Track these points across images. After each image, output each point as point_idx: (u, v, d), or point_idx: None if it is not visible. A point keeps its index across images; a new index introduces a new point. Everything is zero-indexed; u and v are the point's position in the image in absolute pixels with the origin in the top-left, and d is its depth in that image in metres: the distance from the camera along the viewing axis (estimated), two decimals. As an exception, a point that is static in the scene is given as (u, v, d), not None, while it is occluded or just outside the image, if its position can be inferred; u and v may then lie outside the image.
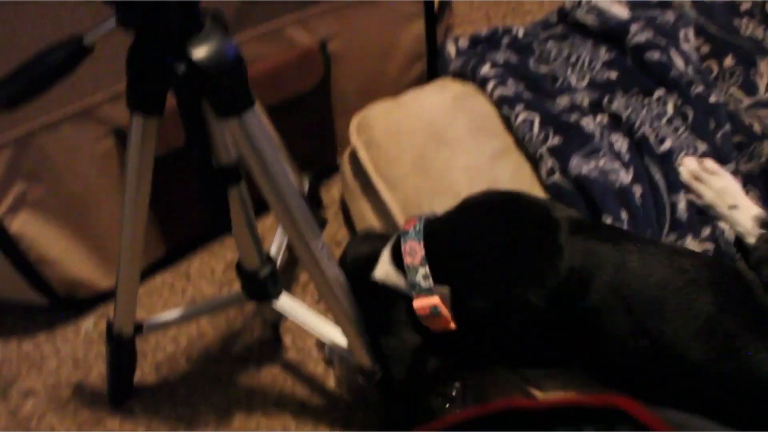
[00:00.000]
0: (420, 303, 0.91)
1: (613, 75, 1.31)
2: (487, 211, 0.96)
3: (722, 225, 1.14)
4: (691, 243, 1.16)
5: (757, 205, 1.10)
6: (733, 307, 0.84)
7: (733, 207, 1.10)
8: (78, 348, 1.30)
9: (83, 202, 1.20)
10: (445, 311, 0.91)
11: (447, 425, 0.41)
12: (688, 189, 1.17)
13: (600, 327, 0.85)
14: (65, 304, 1.31)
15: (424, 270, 0.91)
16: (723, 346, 0.81)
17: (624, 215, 1.13)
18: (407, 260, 0.92)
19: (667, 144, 1.20)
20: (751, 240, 1.05)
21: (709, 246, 1.14)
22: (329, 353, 1.21)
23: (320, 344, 1.27)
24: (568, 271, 0.87)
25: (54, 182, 1.15)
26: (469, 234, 0.94)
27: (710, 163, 1.17)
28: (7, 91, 0.73)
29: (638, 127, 1.22)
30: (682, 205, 1.17)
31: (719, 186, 1.12)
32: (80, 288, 1.30)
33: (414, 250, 0.92)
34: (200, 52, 0.70)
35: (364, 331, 0.98)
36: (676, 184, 1.18)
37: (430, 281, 0.91)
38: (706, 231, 1.16)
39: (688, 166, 1.17)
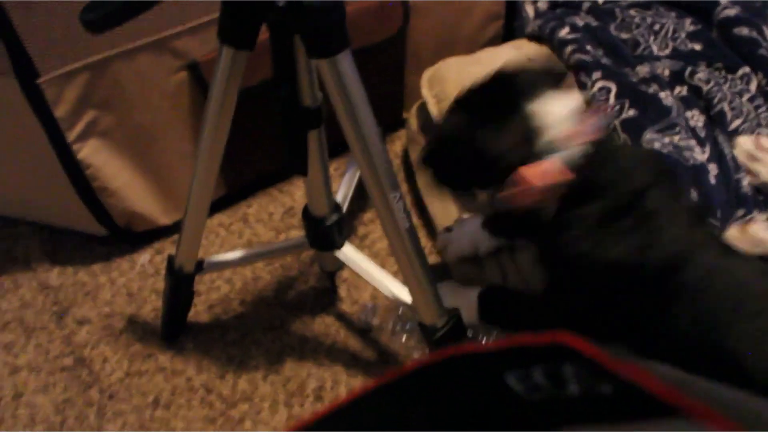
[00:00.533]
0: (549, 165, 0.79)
1: (698, 47, 1.27)
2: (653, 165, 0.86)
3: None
4: (759, 217, 1.13)
5: None
6: None
7: None
8: (133, 281, 1.31)
9: (151, 135, 1.20)
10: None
11: (401, 374, 0.40)
12: (746, 170, 1.14)
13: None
14: (123, 236, 1.31)
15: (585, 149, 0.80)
16: None
17: (693, 194, 1.10)
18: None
19: (738, 121, 1.17)
20: None
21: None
22: (365, 320, 1.20)
23: (373, 297, 1.26)
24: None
25: (124, 112, 1.15)
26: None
27: (766, 140, 1.13)
28: (97, 14, 0.72)
29: (717, 103, 1.18)
30: (746, 182, 1.14)
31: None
32: (139, 221, 1.30)
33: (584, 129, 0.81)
34: (304, -14, 0.68)
35: (430, 285, 0.96)
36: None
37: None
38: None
39: (743, 146, 1.14)
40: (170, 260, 1.10)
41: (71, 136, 1.11)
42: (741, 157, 1.15)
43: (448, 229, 1.19)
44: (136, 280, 1.31)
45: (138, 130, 1.18)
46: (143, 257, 1.34)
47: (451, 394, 0.41)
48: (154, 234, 1.35)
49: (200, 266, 1.12)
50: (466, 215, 1.17)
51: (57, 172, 1.16)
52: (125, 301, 1.28)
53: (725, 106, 1.18)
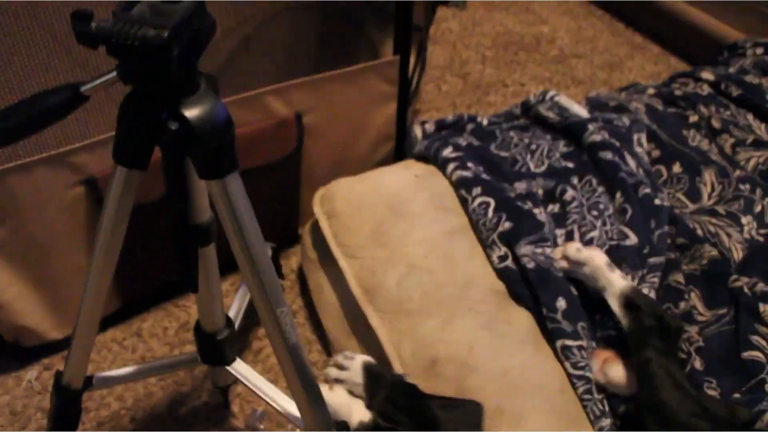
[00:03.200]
0: None
1: (570, 165, 1.38)
2: None
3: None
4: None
5: (624, 279, 1.16)
6: None
7: (602, 289, 1.16)
8: (18, 399, 1.27)
9: (45, 248, 1.20)
10: None
11: None
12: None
13: None
14: (10, 351, 1.28)
15: None
16: None
17: (562, 304, 1.16)
18: None
19: (593, 234, 1.27)
20: (625, 322, 1.12)
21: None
22: (251, 425, 1.20)
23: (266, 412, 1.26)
24: None
25: (18, 225, 1.15)
26: None
27: (576, 246, 1.21)
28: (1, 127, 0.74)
29: (570, 224, 1.29)
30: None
31: (591, 267, 1.18)
32: (28, 336, 1.28)
33: None
34: (194, 112, 0.73)
35: (316, 399, 0.98)
36: None
37: None
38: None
39: (566, 250, 1.22)
40: (57, 376, 1.08)
41: (-40, 250, 1.11)
42: (557, 255, 1.22)
43: (341, 367, 1.18)
44: (21, 397, 1.27)
45: (31, 243, 1.18)
46: (30, 373, 1.30)
47: None
48: (43, 349, 1.32)
49: (89, 382, 1.11)
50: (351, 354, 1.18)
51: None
52: (7, 421, 1.24)
53: (575, 228, 1.28)
